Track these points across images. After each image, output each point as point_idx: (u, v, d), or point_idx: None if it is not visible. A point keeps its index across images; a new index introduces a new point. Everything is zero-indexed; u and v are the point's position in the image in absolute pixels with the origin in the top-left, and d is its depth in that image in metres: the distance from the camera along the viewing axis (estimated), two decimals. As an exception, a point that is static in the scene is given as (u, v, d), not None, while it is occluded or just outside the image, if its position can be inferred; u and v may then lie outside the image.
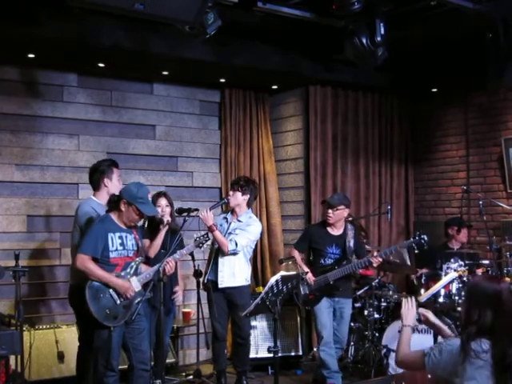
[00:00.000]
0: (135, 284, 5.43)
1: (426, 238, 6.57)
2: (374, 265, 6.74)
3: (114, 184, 5.89)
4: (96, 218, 5.56)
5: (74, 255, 5.57)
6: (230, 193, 6.82)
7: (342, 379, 6.88)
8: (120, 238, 5.41)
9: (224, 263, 6.68)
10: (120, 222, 5.46)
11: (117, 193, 5.71)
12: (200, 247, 6.24)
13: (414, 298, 4.30)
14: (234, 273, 6.71)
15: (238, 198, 6.76)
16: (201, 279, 6.86)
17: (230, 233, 6.70)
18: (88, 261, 5.26)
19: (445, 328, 4.29)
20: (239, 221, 6.75)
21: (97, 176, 5.95)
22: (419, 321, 4.27)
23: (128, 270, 5.44)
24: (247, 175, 8.43)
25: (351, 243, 6.89)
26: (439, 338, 4.07)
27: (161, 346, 6.22)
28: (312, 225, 7.77)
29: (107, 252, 5.33)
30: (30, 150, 7.35)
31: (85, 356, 5.77)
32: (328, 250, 6.93)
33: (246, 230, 6.70)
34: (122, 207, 5.40)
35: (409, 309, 4.21)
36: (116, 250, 5.38)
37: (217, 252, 6.71)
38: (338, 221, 6.92)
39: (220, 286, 6.67)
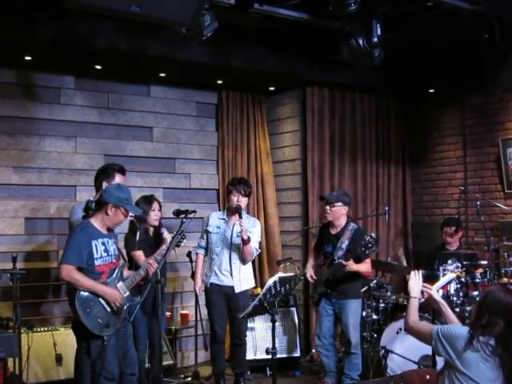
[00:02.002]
0: (122, 290, 5.36)
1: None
2: (346, 268, 6.51)
3: None
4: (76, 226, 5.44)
5: None
6: (241, 199, 6.68)
7: (335, 379, 6.93)
8: (103, 244, 5.28)
9: (238, 268, 6.72)
10: (101, 227, 5.32)
11: None
12: (178, 246, 6.22)
13: (421, 272, 4.47)
14: (247, 277, 6.81)
15: (245, 203, 6.78)
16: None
17: (237, 236, 6.67)
18: (73, 271, 5.09)
19: (447, 308, 4.41)
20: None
21: (100, 178, 5.96)
22: (422, 293, 4.47)
23: (114, 276, 5.35)
24: (244, 177, 8.45)
25: (344, 244, 6.70)
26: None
27: (157, 347, 6.22)
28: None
29: (92, 260, 5.17)
30: (27, 152, 7.35)
31: (82, 357, 5.75)
32: (326, 249, 6.92)
33: (253, 233, 6.72)
34: (109, 212, 5.26)
35: (416, 281, 4.49)
36: (101, 257, 5.23)
37: (229, 257, 6.70)
38: (337, 219, 6.83)
39: (237, 291, 6.68)
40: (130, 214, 5.50)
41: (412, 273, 4.52)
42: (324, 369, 6.96)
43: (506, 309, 3.76)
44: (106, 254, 5.28)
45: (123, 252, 5.90)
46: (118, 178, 5.96)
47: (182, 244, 6.26)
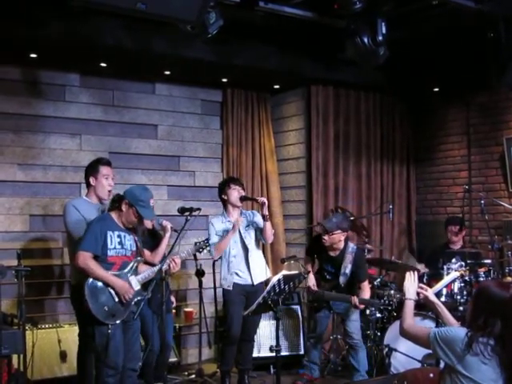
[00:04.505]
0: (134, 283, 5.46)
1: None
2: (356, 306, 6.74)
3: (99, 182, 5.89)
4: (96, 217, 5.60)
5: (71, 255, 5.65)
6: (242, 191, 6.74)
7: (319, 372, 7.23)
8: (119, 236, 5.44)
9: (255, 260, 6.74)
10: (120, 222, 5.50)
11: (104, 192, 5.83)
12: (200, 252, 6.26)
13: (416, 273, 4.40)
14: (263, 267, 6.83)
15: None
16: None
17: (246, 230, 6.73)
18: (89, 258, 5.30)
19: (444, 309, 4.35)
20: (244, 216, 6.78)
21: (86, 174, 6.01)
22: (417, 295, 4.38)
23: (127, 270, 5.46)
24: (249, 175, 8.49)
25: (347, 269, 6.81)
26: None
27: (163, 345, 6.22)
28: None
29: (106, 250, 5.36)
30: (32, 149, 7.36)
31: (84, 355, 5.78)
32: (325, 267, 7.05)
33: (259, 222, 6.73)
34: (123, 207, 5.45)
35: (411, 283, 4.36)
36: (114, 248, 5.40)
37: (245, 253, 6.70)
38: (335, 243, 6.86)
39: (256, 283, 6.67)
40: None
41: (407, 274, 4.40)
42: (308, 359, 7.20)
43: (502, 305, 3.67)
44: (120, 247, 5.43)
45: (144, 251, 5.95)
46: (104, 171, 5.95)
47: (205, 251, 6.30)
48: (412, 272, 4.43)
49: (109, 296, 5.34)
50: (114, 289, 5.35)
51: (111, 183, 5.97)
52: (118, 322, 5.32)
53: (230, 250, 6.67)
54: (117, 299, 5.36)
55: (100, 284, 5.32)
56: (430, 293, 4.39)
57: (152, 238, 6.44)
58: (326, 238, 6.81)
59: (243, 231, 6.69)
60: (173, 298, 6.94)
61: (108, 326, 5.24)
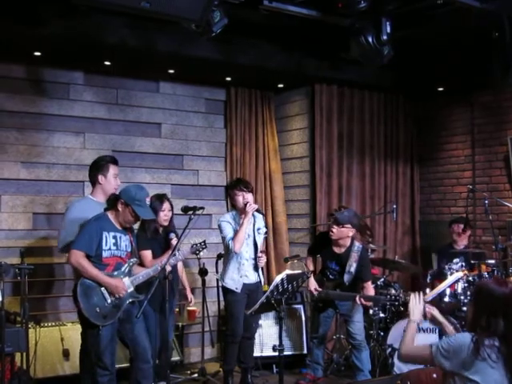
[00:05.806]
0: (128, 284, 5.43)
1: None
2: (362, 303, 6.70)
3: (108, 181, 5.86)
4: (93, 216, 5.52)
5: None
6: (246, 196, 6.57)
7: (322, 371, 7.18)
8: (114, 237, 5.39)
9: (260, 264, 6.77)
10: (116, 222, 5.44)
11: (112, 191, 5.75)
12: (196, 254, 6.17)
13: (422, 294, 4.32)
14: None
15: (252, 199, 6.67)
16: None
17: (259, 233, 6.72)
18: (82, 257, 5.25)
19: (450, 326, 4.31)
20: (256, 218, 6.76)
21: (93, 172, 5.96)
22: (424, 317, 4.30)
23: (121, 271, 5.43)
24: (252, 174, 8.47)
25: (352, 267, 6.74)
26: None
27: (165, 343, 6.21)
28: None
29: (100, 250, 5.31)
30: (35, 147, 7.36)
31: (86, 354, 5.79)
32: (329, 265, 6.97)
33: (264, 227, 6.77)
34: (119, 207, 5.38)
35: (416, 304, 4.26)
36: (109, 249, 5.35)
37: (255, 255, 6.69)
38: (341, 239, 6.79)
39: (262, 284, 6.76)
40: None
41: (411, 295, 4.29)
42: (311, 359, 7.14)
43: (502, 301, 3.64)
44: (115, 248, 5.38)
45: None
46: (112, 170, 5.93)
47: (201, 254, 6.23)
48: (417, 293, 4.34)
49: (101, 297, 5.30)
50: (106, 289, 5.31)
51: (119, 183, 5.96)
52: (108, 323, 5.29)
53: (243, 253, 6.61)
54: (109, 300, 5.32)
55: (93, 284, 5.28)
56: (436, 312, 4.33)
57: (165, 236, 6.42)
58: (334, 230, 6.72)
59: (257, 233, 6.69)
60: (190, 295, 6.97)
61: (99, 327, 5.23)
